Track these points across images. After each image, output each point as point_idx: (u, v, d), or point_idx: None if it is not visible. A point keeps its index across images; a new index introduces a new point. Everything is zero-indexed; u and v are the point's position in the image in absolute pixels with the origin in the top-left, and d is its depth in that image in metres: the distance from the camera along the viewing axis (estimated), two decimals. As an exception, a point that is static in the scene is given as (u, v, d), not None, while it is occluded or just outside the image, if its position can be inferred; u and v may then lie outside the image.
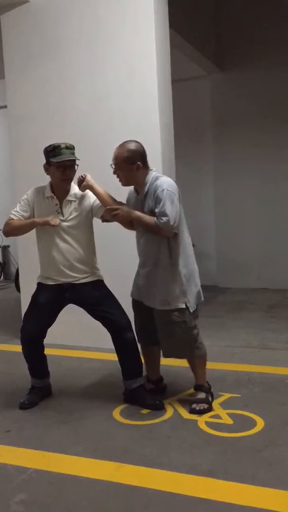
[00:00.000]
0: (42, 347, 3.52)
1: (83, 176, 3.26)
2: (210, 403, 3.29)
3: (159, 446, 2.86)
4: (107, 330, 3.39)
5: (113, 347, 3.41)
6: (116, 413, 3.29)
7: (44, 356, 3.57)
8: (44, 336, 3.48)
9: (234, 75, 7.23)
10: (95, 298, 3.38)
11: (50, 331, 3.50)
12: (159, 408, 3.31)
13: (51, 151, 3.21)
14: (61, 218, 3.29)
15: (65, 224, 3.29)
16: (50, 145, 3.24)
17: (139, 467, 2.64)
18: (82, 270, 3.37)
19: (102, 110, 4.58)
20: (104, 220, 3.31)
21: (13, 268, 9.04)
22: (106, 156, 4.24)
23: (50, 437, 3.04)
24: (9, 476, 2.62)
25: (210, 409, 3.25)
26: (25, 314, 3.54)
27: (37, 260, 3.48)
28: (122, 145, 3.17)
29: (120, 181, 3.23)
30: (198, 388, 3.37)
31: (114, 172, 3.20)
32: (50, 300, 3.40)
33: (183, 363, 3.45)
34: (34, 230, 3.39)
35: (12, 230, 3.36)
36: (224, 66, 7.23)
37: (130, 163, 3.12)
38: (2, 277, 9.26)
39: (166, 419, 3.18)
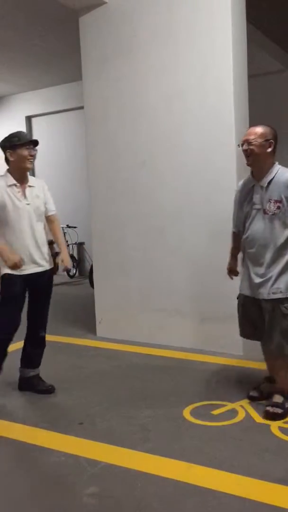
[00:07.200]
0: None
1: None
2: (285, 409, 3.18)
3: (230, 448, 2.82)
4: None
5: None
6: (187, 413, 3.28)
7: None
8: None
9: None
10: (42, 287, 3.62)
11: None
12: (51, 391, 3.65)
13: (14, 137, 3.41)
14: (26, 202, 3.46)
15: (31, 207, 3.48)
16: (9, 134, 3.44)
17: (210, 468, 2.62)
18: (45, 256, 3.56)
19: (176, 109, 4.55)
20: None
21: (88, 265, 9.26)
22: (177, 155, 4.23)
23: (121, 432, 3.08)
24: (81, 468, 2.68)
25: (285, 414, 3.15)
26: None
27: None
28: (262, 126, 3.16)
29: (248, 157, 3.17)
30: (277, 391, 3.26)
31: (246, 149, 3.13)
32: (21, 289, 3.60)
33: (260, 365, 3.36)
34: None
35: None
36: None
37: (266, 140, 3.10)
38: (77, 273, 9.51)
39: (238, 422, 3.13)
